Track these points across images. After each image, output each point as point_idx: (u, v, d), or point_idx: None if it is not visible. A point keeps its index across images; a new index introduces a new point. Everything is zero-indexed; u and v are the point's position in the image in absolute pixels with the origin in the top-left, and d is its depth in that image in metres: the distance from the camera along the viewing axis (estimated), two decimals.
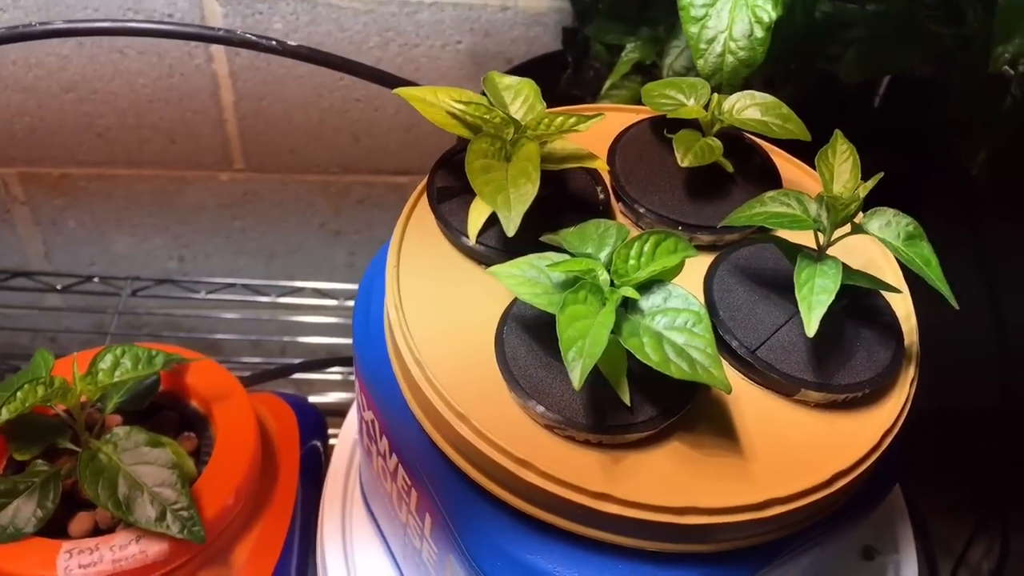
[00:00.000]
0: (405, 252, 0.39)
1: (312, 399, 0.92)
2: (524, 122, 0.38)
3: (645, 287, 0.33)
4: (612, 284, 0.33)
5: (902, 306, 0.38)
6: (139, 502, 0.47)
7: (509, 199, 0.34)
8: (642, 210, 0.40)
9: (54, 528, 0.49)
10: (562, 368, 0.34)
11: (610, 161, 0.41)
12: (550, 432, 0.34)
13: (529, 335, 0.35)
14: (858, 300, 0.36)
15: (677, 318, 0.32)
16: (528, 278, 0.34)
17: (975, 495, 0.70)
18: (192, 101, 0.94)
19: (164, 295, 0.98)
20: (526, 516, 0.34)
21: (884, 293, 0.37)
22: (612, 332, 0.31)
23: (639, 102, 0.43)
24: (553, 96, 0.70)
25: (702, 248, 0.40)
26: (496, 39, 0.89)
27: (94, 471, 0.48)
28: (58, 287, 0.95)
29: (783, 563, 0.36)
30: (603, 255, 0.34)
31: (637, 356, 0.31)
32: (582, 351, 0.31)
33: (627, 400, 0.33)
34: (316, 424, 0.64)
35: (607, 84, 0.59)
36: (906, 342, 0.36)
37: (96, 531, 0.50)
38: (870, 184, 0.33)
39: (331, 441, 0.68)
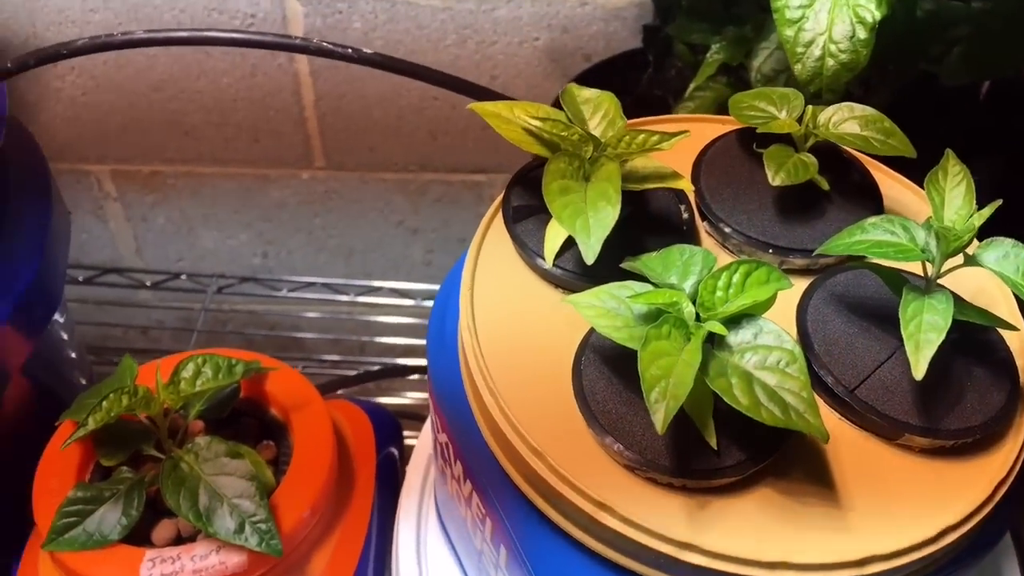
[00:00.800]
0: (480, 273, 0.38)
1: (387, 400, 0.92)
2: (604, 139, 0.35)
3: (733, 321, 0.31)
4: (697, 317, 0.31)
5: (1016, 341, 0.34)
6: (219, 513, 0.47)
7: (588, 224, 0.32)
8: (729, 230, 0.37)
9: (138, 535, 0.49)
10: (643, 405, 0.32)
11: (694, 177, 0.39)
12: (630, 473, 0.32)
13: (609, 367, 0.33)
14: (968, 334, 0.33)
15: (769, 356, 0.30)
16: (608, 309, 0.31)
17: None
18: (274, 99, 0.94)
19: (248, 292, 0.99)
20: (604, 559, 0.32)
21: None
22: (698, 371, 0.29)
23: (725, 104, 0.40)
24: (634, 96, 0.67)
25: (794, 273, 0.37)
26: (574, 35, 0.86)
27: (176, 481, 0.48)
28: (148, 284, 0.97)
29: None
30: (688, 285, 0.32)
31: (725, 399, 0.29)
32: (666, 392, 0.29)
33: (713, 443, 0.31)
34: (392, 431, 0.63)
35: (692, 86, 0.56)
36: (1022, 382, 0.33)
37: (178, 539, 0.50)
38: (986, 212, 0.30)
39: (409, 443, 0.67)
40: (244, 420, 0.56)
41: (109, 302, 1.00)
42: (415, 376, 0.96)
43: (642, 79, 0.71)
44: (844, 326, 0.34)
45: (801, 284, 0.36)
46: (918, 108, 0.38)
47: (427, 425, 0.56)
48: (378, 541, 0.57)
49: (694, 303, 0.31)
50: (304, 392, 0.57)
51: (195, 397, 0.52)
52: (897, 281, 0.32)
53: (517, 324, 0.36)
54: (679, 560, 0.30)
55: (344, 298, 0.99)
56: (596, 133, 0.36)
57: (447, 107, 0.96)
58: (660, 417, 0.28)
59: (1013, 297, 0.36)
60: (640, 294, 0.31)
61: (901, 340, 0.33)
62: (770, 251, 0.37)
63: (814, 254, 0.34)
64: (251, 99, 0.94)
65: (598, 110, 0.37)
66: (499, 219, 0.39)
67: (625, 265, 0.33)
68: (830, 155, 0.39)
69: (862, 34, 0.40)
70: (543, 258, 0.36)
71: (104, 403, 0.47)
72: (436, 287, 1.02)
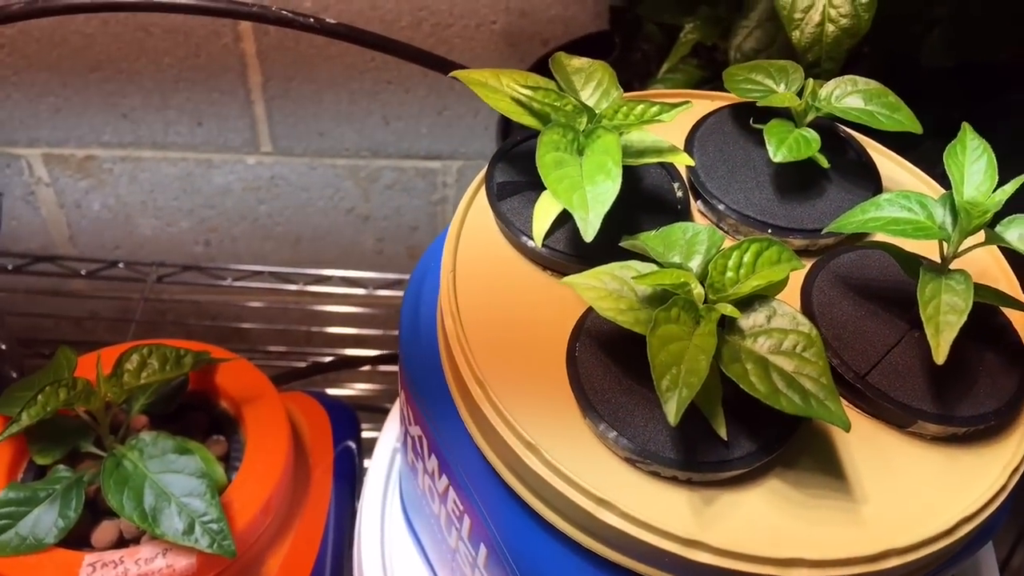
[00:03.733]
0: (462, 254, 0.34)
1: (337, 392, 0.88)
2: (600, 111, 0.32)
3: (745, 303, 0.28)
4: (706, 300, 0.28)
5: (1022, 325, 0.33)
6: (166, 513, 0.43)
7: (586, 199, 0.29)
8: (724, 209, 0.35)
9: (76, 537, 0.45)
10: (646, 393, 0.30)
11: (687, 154, 0.36)
12: (631, 467, 0.29)
13: (606, 354, 0.30)
14: (978, 318, 0.31)
15: (784, 341, 0.27)
16: (610, 291, 0.28)
17: None
18: (219, 82, 0.89)
19: (190, 281, 0.94)
20: (601, 559, 0.30)
21: (1005, 310, 0.32)
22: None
23: (697, 87, 0.38)
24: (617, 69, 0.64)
25: None
26: (533, 19, 0.84)
27: (119, 480, 0.44)
28: (83, 272, 0.91)
29: None
30: (694, 265, 0.29)
31: (742, 386, 0.26)
32: (678, 380, 0.26)
33: (723, 434, 0.28)
34: (349, 424, 0.59)
35: (664, 67, 0.54)
36: None
37: (121, 541, 0.46)
38: (1011, 188, 0.28)
39: (364, 436, 0.63)
40: (192, 414, 0.52)
41: (41, 291, 0.94)
42: (366, 368, 0.92)
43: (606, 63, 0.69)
44: (851, 309, 0.32)
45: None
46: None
47: (392, 417, 0.53)
48: (335, 539, 0.53)
49: (703, 284, 0.28)
50: (257, 384, 0.53)
51: (140, 390, 0.47)
52: (913, 263, 0.30)
53: (503, 308, 0.33)
54: (685, 559, 0.28)
55: (292, 287, 0.94)
56: (590, 104, 0.33)
57: (401, 91, 0.92)
58: (672, 407, 0.26)
59: (1015, 279, 0.34)
60: (646, 275, 0.28)
61: (910, 323, 0.31)
62: (768, 231, 0.34)
63: (824, 232, 0.31)
64: (194, 81, 0.89)
65: (591, 80, 0.34)
66: (481, 197, 0.36)
67: (624, 244, 0.31)
68: (827, 132, 0.36)
69: None
70: (531, 237, 0.33)
71: (40, 397, 0.42)
72: (388, 276, 0.98)
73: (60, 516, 0.44)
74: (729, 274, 0.28)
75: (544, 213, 0.33)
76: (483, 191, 0.36)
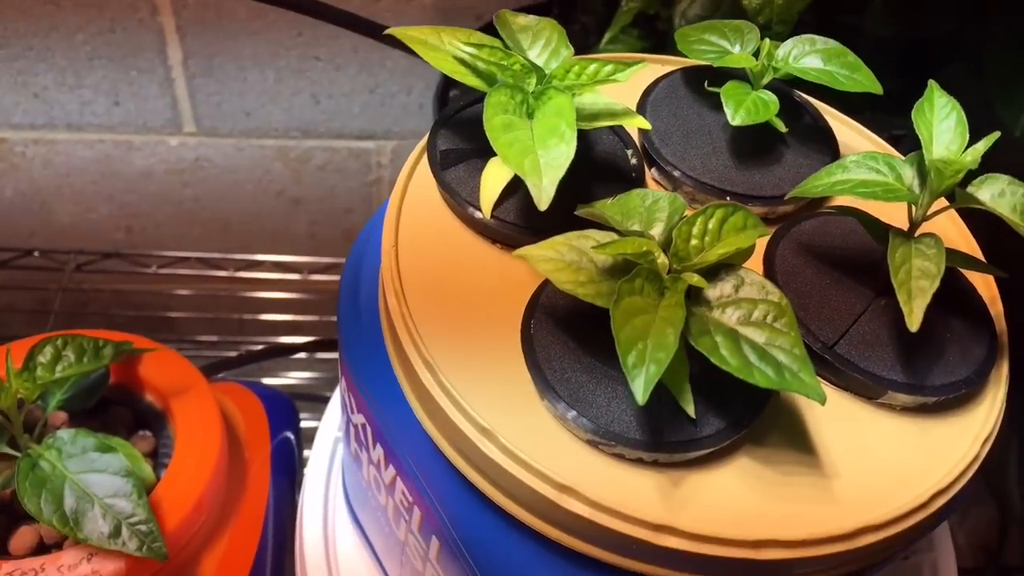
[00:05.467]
0: (404, 229, 0.32)
1: (271, 382, 0.84)
2: (550, 70, 0.30)
3: (711, 273, 0.26)
4: (670, 270, 0.26)
5: (986, 290, 0.31)
6: (89, 516, 0.39)
7: (539, 164, 0.27)
8: (680, 176, 0.33)
9: None
10: (607, 371, 0.27)
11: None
12: (594, 449, 0.27)
13: (564, 331, 0.28)
14: (945, 284, 0.30)
15: (754, 311, 0.25)
16: (568, 262, 0.26)
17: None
18: (137, 59, 0.84)
19: (112, 270, 0.88)
20: (564, 548, 0.27)
21: (966, 273, 0.31)
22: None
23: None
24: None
25: None
26: None
27: (35, 482, 0.40)
28: None
29: None
30: (655, 233, 0.27)
31: (712, 360, 0.24)
32: (645, 356, 0.24)
33: (692, 411, 0.26)
34: (287, 414, 0.56)
35: (605, 38, 0.51)
36: (998, 331, 0.30)
37: (41, 548, 0.42)
38: (983, 146, 0.27)
39: (307, 425, 0.60)
40: (114, 409, 0.48)
41: None
42: (302, 355, 0.88)
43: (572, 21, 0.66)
44: (815, 278, 0.30)
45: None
46: None
47: (332, 406, 0.50)
48: (275, 535, 0.50)
49: (666, 253, 0.26)
50: (185, 375, 0.49)
51: (55, 385, 0.43)
52: (877, 226, 0.28)
53: (450, 285, 0.30)
54: (654, 544, 0.26)
55: (222, 273, 0.89)
56: (539, 64, 0.31)
57: (331, 68, 0.88)
58: (640, 385, 0.23)
59: (975, 243, 0.33)
60: (607, 244, 0.26)
61: (876, 290, 0.30)
62: (727, 198, 0.32)
63: (789, 196, 0.30)
64: (110, 58, 0.83)
65: (539, 38, 0.31)
66: (421, 168, 0.33)
67: (580, 212, 0.28)
68: (783, 97, 0.34)
69: None
70: (479, 208, 0.31)
71: None
72: (323, 260, 0.94)
73: None
74: (694, 242, 0.26)
75: (492, 182, 0.30)
76: (424, 162, 0.33)
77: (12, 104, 0.87)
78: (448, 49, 0.30)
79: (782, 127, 0.33)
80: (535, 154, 0.27)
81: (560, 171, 0.27)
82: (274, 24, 0.85)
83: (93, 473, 0.40)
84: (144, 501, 0.40)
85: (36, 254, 0.86)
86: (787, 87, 0.36)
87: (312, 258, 0.93)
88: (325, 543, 0.44)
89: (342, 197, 0.99)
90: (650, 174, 0.34)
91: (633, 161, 0.33)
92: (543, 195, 0.27)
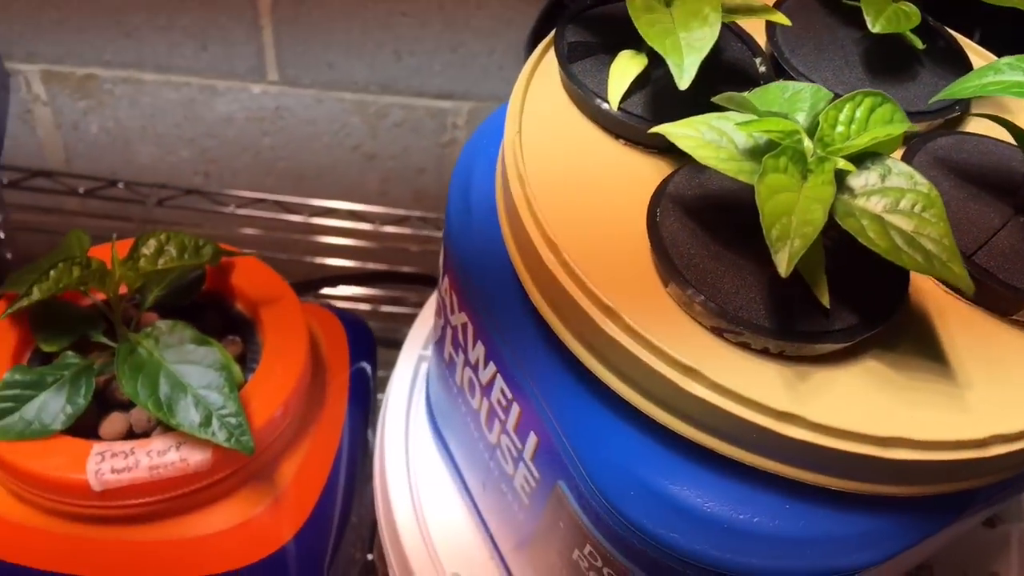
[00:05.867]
0: (528, 119, 0.31)
1: None
2: None
3: (857, 160, 0.25)
4: (814, 154, 0.25)
5: None
6: (182, 404, 0.40)
7: (679, 44, 0.26)
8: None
9: (83, 428, 0.41)
10: (735, 260, 0.27)
11: (769, 32, 0.33)
12: (718, 337, 0.26)
13: (692, 219, 0.28)
14: None
15: (901, 200, 0.24)
16: (707, 140, 0.26)
17: None
18: (227, 3, 0.85)
19: (190, 206, 0.89)
20: (675, 439, 0.27)
21: None
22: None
23: None
24: None
25: None
26: None
27: (133, 367, 0.40)
28: (80, 190, 0.87)
29: (963, 519, 0.29)
30: (801, 118, 0.26)
31: (860, 240, 0.24)
32: (789, 229, 0.23)
33: (826, 301, 0.25)
34: (367, 344, 0.56)
35: None
36: None
37: (130, 435, 0.43)
38: None
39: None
40: (206, 313, 0.48)
41: (36, 208, 0.89)
42: (366, 306, 0.89)
43: None
44: (953, 191, 0.29)
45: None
46: None
47: (419, 324, 0.50)
48: (349, 456, 0.50)
49: (810, 138, 0.26)
50: (275, 286, 0.49)
51: (155, 278, 0.44)
52: None
53: (573, 175, 0.30)
54: (779, 434, 0.25)
55: (296, 218, 0.90)
56: None
57: (416, 25, 0.89)
58: (784, 257, 0.23)
59: None
60: (751, 122, 0.25)
61: (1015, 207, 0.29)
62: None
63: (936, 99, 0.29)
64: (201, 1, 0.84)
65: None
66: (546, 62, 0.33)
67: (717, 99, 0.28)
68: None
69: None
70: (606, 101, 0.30)
71: (52, 272, 0.39)
72: (396, 212, 0.95)
73: (68, 402, 0.40)
74: (840, 128, 0.25)
75: (621, 75, 0.30)
76: (547, 58, 0.33)
77: (104, 42, 0.89)
78: None
79: (919, 43, 0.32)
80: (676, 35, 0.27)
81: (703, 52, 0.26)
82: None
83: (188, 364, 0.41)
84: (235, 395, 0.41)
85: (120, 185, 0.87)
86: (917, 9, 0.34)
87: (386, 209, 0.93)
88: (406, 455, 0.44)
89: (416, 156, 0.99)
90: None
91: (762, 69, 0.32)
92: (684, 74, 0.26)
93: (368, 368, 0.57)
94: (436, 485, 0.43)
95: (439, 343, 0.40)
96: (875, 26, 0.30)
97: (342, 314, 0.56)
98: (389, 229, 0.90)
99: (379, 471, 0.45)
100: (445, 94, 0.95)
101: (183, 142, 0.96)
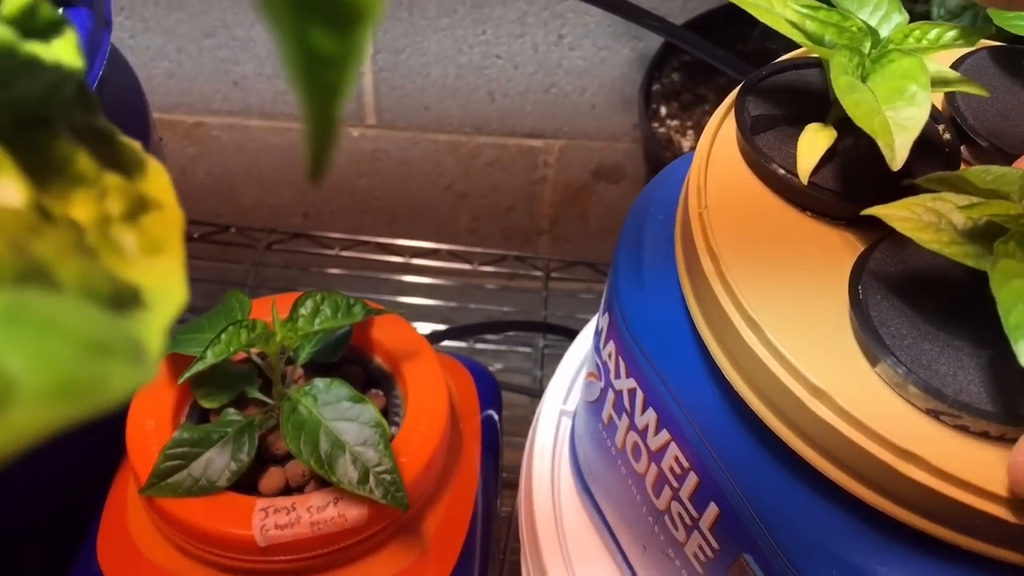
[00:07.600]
0: (711, 193, 0.31)
1: None
2: (884, 34, 0.29)
3: None
4: None
5: None
6: (341, 461, 0.40)
7: (888, 124, 0.26)
8: (1000, 152, 0.31)
9: (244, 483, 0.42)
10: (949, 340, 0.26)
11: (948, 96, 0.33)
12: (934, 420, 0.26)
13: (897, 297, 0.27)
14: None
15: None
16: (926, 222, 0.25)
17: None
18: None
19: (297, 249, 0.91)
20: (882, 520, 0.26)
21: None
22: None
23: None
24: (744, 53, 0.61)
25: None
26: None
27: (296, 424, 0.41)
28: (195, 235, 0.89)
29: None
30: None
31: None
32: None
33: None
34: (493, 392, 0.56)
35: None
36: None
37: (287, 490, 0.43)
38: None
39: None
40: (349, 368, 0.49)
41: None
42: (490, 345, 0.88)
43: (751, 32, 0.65)
44: None
45: None
46: None
47: (556, 383, 0.50)
48: (484, 504, 0.50)
49: None
50: (413, 340, 0.50)
51: (310, 337, 0.45)
52: None
53: (763, 248, 0.30)
54: (1005, 521, 0.24)
55: (398, 259, 0.91)
56: (872, 25, 0.29)
57: (509, 67, 0.89)
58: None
59: None
60: (974, 205, 0.24)
61: None
62: None
63: None
64: None
65: (866, 3, 0.30)
66: (724, 132, 0.33)
67: (924, 181, 0.27)
68: None
69: None
70: (795, 174, 0.30)
71: (223, 336, 0.39)
72: (492, 251, 0.95)
73: (232, 459, 0.41)
74: None
75: (810, 149, 0.30)
76: (726, 126, 0.33)
77: (213, 91, 0.91)
78: (778, 12, 0.29)
79: None
80: (883, 115, 0.26)
81: (914, 133, 0.26)
82: (461, 21, 0.87)
83: (345, 421, 0.41)
84: (390, 452, 0.41)
85: (232, 230, 0.89)
86: None
87: (482, 249, 0.94)
88: (554, 511, 0.44)
89: (506, 194, 1.00)
90: (964, 150, 0.32)
91: (946, 136, 0.31)
92: (896, 155, 0.26)
93: (495, 416, 0.57)
94: (585, 539, 0.43)
95: (595, 404, 0.39)
96: None
97: (468, 363, 0.56)
98: (486, 268, 0.90)
99: (526, 520, 0.45)
100: (536, 134, 0.95)
101: (285, 184, 0.98)
